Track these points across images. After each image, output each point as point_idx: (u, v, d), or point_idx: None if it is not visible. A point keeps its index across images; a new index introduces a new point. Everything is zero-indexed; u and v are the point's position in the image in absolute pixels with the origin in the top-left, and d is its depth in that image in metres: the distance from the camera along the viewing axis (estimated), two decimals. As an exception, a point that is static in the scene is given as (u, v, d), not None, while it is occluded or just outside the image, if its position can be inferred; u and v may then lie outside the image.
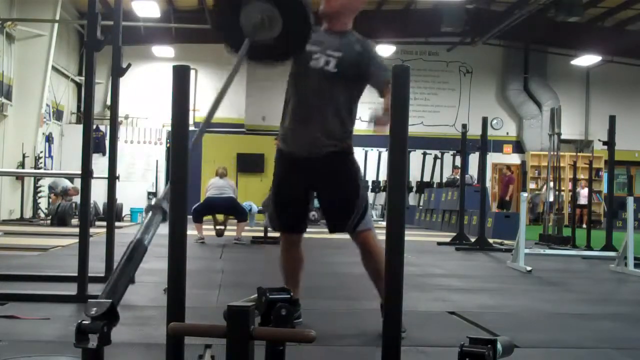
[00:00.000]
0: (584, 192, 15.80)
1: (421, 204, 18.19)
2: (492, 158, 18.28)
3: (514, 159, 19.83)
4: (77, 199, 11.05)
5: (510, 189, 17.37)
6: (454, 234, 10.27)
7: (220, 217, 8.99)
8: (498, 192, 18.45)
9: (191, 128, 2.01)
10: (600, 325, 3.68)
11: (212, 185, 8.99)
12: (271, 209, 3.19)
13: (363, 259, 3.11)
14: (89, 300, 1.81)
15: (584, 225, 11.62)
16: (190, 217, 2.42)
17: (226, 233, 8.96)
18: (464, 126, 10.41)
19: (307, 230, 3.26)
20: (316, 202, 3.23)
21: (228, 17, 2.75)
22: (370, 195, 18.65)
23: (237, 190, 9.42)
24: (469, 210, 11.87)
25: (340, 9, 3.00)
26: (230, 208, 8.78)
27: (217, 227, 8.91)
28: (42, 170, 13.83)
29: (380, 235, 2.36)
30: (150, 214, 2.10)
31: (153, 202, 2.13)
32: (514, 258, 6.58)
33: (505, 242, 9.67)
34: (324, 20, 3.06)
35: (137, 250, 1.97)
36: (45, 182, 13.99)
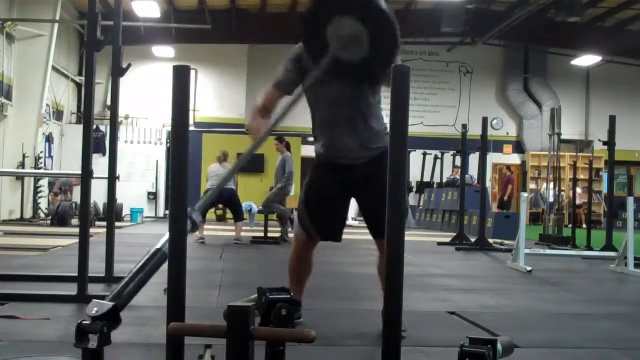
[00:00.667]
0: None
1: (421, 204, 18.20)
2: (492, 158, 18.28)
3: (514, 159, 19.84)
4: (77, 198, 11.05)
5: (509, 188, 17.36)
6: (454, 234, 10.27)
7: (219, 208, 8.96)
8: (498, 192, 18.45)
9: (191, 128, 2.00)
10: (600, 325, 3.68)
11: (212, 173, 8.92)
12: (305, 216, 3.08)
13: (382, 261, 3.07)
14: (94, 300, 1.81)
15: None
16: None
17: (226, 233, 8.96)
18: (464, 126, 10.41)
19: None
20: None
21: (317, 27, 2.69)
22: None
23: (236, 178, 9.38)
24: (469, 210, 11.87)
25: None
26: (228, 201, 8.73)
27: (217, 212, 8.87)
28: (42, 170, 13.83)
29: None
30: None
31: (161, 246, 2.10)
32: (514, 258, 6.58)
33: (505, 242, 9.68)
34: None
35: (153, 259, 1.96)
36: (45, 182, 14.00)
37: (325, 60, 2.60)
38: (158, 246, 1.98)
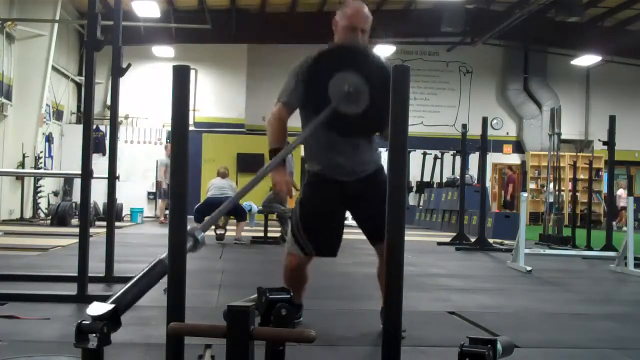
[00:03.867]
0: (621, 193, 15.72)
1: (421, 204, 18.20)
2: (492, 158, 18.28)
3: (514, 159, 19.84)
4: (77, 198, 11.05)
5: (510, 188, 17.36)
6: (454, 234, 10.27)
7: (220, 220, 8.94)
8: (498, 192, 18.45)
9: (191, 128, 2.00)
10: (600, 325, 3.68)
11: (213, 186, 9.00)
12: (301, 234, 3.05)
13: (381, 266, 3.07)
14: (95, 302, 1.81)
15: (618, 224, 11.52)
16: (190, 217, 2.40)
17: (226, 233, 8.96)
18: (464, 126, 10.41)
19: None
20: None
21: (319, 80, 2.76)
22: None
23: (237, 189, 9.42)
24: (469, 210, 11.87)
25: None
26: (231, 211, 8.75)
27: (218, 232, 8.81)
28: (42, 170, 13.83)
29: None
30: (152, 269, 2.07)
31: (160, 259, 2.10)
32: (514, 258, 6.58)
33: (505, 242, 9.68)
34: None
35: (155, 268, 1.97)
36: (45, 182, 14.01)
37: (325, 113, 2.65)
38: (162, 256, 1.99)
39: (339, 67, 2.73)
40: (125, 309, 1.86)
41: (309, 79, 2.83)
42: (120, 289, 1.91)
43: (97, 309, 1.77)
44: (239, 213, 8.83)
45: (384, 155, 2.37)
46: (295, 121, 3.09)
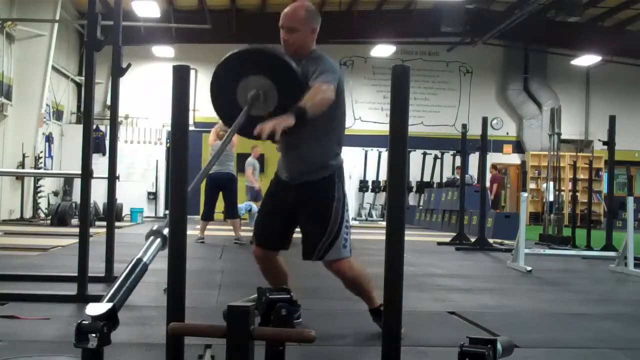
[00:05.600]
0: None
1: (421, 204, 18.20)
2: (492, 158, 18.25)
3: (514, 159, 19.84)
4: (77, 198, 11.05)
5: (494, 187, 17.05)
6: (454, 234, 10.27)
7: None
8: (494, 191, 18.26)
9: (191, 128, 2.01)
10: (600, 325, 3.68)
11: (212, 149, 8.86)
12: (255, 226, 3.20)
13: (344, 284, 3.13)
14: (91, 303, 1.82)
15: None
16: (190, 217, 2.38)
17: (226, 233, 8.95)
18: (464, 126, 10.41)
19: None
20: None
21: (226, 89, 2.86)
22: (370, 195, 18.66)
23: (234, 152, 9.31)
24: (469, 210, 11.87)
25: (297, 49, 3.01)
26: (225, 185, 8.51)
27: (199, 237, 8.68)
28: (42, 170, 13.83)
29: (380, 235, 2.36)
30: (151, 239, 2.13)
31: (154, 227, 2.16)
32: (514, 258, 6.58)
33: (505, 242, 9.68)
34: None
35: (136, 268, 2.00)
36: (45, 182, 14.01)
37: (239, 121, 2.68)
38: (138, 255, 2.04)
39: (241, 73, 2.83)
40: (120, 306, 1.87)
41: (215, 91, 2.97)
42: (111, 288, 1.93)
43: (95, 309, 1.77)
44: (229, 210, 8.63)
45: (384, 156, 2.36)
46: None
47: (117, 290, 1.90)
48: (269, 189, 3.20)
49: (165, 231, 2.08)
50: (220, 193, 8.52)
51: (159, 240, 2.10)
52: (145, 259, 2.03)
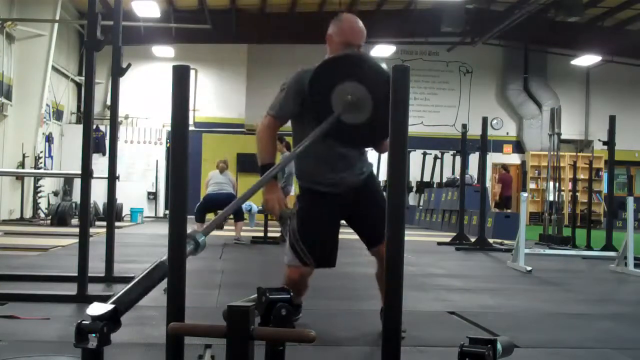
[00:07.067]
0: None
1: (421, 204, 18.20)
2: (492, 158, 18.28)
3: (514, 159, 19.84)
4: (77, 198, 11.05)
5: (499, 188, 17.17)
6: (454, 234, 10.27)
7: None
8: (496, 192, 18.36)
9: (191, 128, 2.00)
10: (600, 325, 3.68)
11: (212, 180, 8.96)
12: (300, 246, 3.00)
13: (380, 268, 3.08)
14: (95, 302, 1.81)
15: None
16: (190, 217, 2.38)
17: (226, 233, 8.96)
18: (464, 126, 10.41)
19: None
20: None
21: (321, 91, 2.73)
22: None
23: (237, 185, 9.41)
24: (469, 210, 11.87)
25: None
26: (224, 204, 8.66)
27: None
28: (42, 170, 13.83)
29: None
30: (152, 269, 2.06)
31: (160, 262, 2.06)
32: (514, 258, 6.58)
33: (505, 242, 9.68)
34: None
35: (156, 270, 1.94)
36: (45, 182, 14.01)
37: (328, 123, 2.60)
38: (163, 258, 1.98)
39: (342, 77, 2.67)
40: (125, 309, 1.86)
41: (311, 88, 2.78)
42: (121, 290, 1.91)
43: (97, 309, 1.77)
44: (237, 213, 8.81)
45: (384, 156, 2.38)
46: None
47: (128, 292, 1.87)
48: (308, 206, 3.05)
49: (199, 237, 2.02)
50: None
51: (190, 245, 2.03)
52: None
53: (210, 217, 8.84)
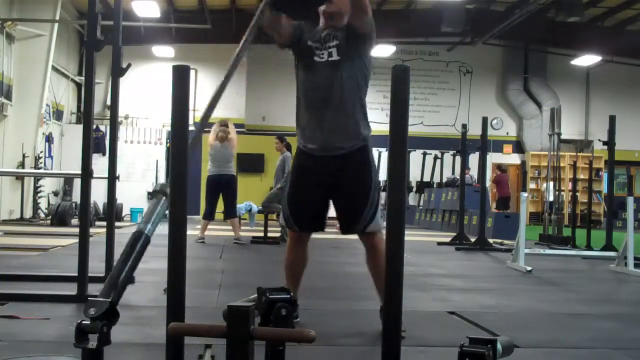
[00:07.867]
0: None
1: (421, 204, 18.19)
2: (492, 158, 18.27)
3: (514, 159, 19.83)
4: (77, 198, 11.04)
5: (495, 188, 17.13)
6: (454, 234, 10.27)
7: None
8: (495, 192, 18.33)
9: (191, 128, 2.00)
10: (600, 325, 3.68)
11: (212, 153, 8.80)
12: (286, 208, 3.12)
13: (368, 258, 3.11)
14: (89, 299, 1.81)
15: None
16: (190, 217, 2.38)
17: (226, 233, 8.95)
18: (464, 126, 10.41)
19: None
20: None
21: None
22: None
23: (236, 147, 9.29)
24: (469, 210, 11.87)
25: (342, 7, 3.02)
26: (226, 186, 8.57)
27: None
28: (42, 170, 13.82)
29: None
30: (153, 200, 2.00)
31: (157, 187, 2.01)
32: (514, 258, 6.58)
33: (505, 242, 9.68)
34: (324, 18, 3.07)
35: (137, 243, 1.89)
36: (45, 182, 14.01)
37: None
38: (138, 227, 1.94)
39: None
40: (118, 298, 1.83)
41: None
42: (108, 280, 1.85)
43: (93, 308, 1.76)
44: (229, 200, 8.63)
45: (384, 156, 2.37)
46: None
47: (115, 279, 1.81)
48: (297, 165, 3.13)
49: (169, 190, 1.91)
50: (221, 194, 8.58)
51: (163, 201, 1.95)
52: (146, 231, 1.89)
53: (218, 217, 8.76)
